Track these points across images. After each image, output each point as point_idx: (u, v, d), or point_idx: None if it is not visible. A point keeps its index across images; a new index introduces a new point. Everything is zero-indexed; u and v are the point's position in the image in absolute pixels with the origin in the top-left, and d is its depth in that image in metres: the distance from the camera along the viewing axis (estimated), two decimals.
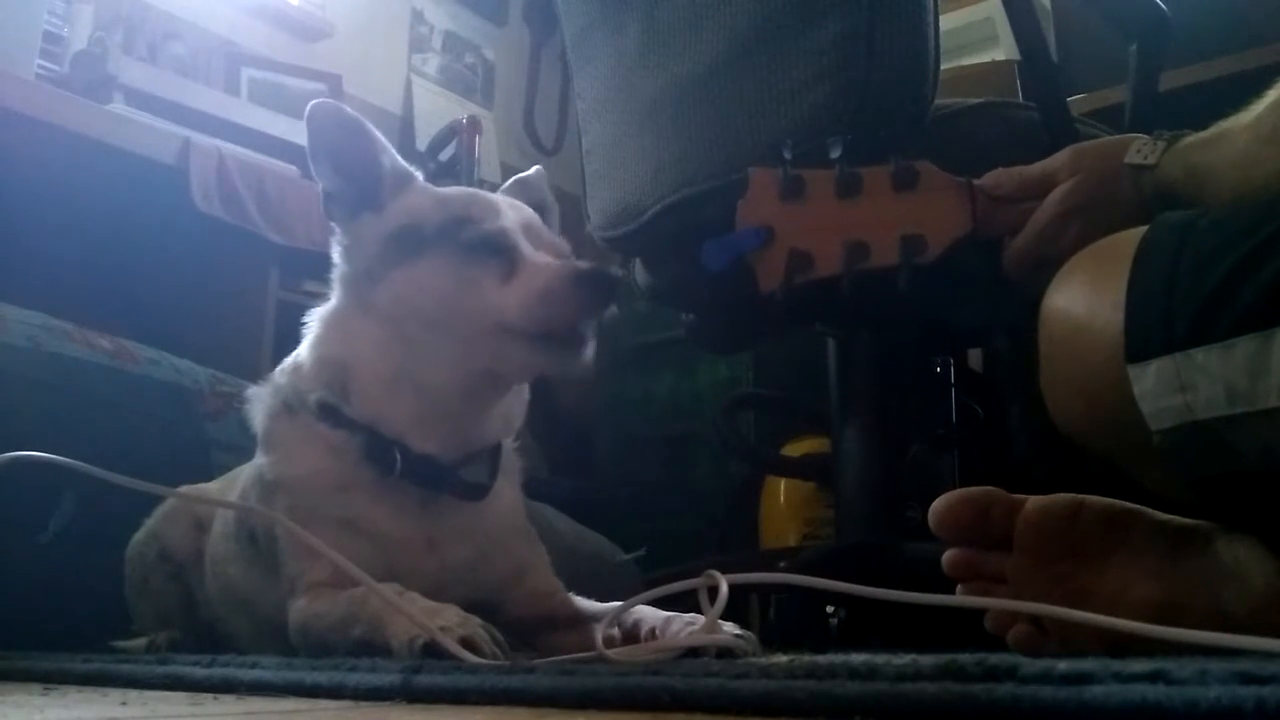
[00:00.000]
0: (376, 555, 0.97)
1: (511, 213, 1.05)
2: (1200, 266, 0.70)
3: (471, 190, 1.13)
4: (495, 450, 1.08)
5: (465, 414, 1.04)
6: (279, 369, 1.09)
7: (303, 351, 1.07)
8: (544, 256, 1.01)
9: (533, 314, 0.97)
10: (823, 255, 0.94)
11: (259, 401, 1.07)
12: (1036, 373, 0.84)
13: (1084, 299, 0.78)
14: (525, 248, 1.01)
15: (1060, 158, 0.98)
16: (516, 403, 1.10)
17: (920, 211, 0.95)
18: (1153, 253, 0.74)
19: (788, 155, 0.97)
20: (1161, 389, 0.70)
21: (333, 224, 1.08)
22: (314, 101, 1.05)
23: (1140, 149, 0.90)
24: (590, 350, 1.01)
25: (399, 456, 1.00)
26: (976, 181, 0.98)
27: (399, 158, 1.08)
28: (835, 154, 0.98)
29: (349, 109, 1.07)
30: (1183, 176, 0.85)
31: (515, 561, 1.08)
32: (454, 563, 1.03)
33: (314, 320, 1.07)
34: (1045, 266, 0.87)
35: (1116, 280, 0.74)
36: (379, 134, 1.08)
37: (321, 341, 1.05)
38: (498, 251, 1.00)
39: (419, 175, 1.10)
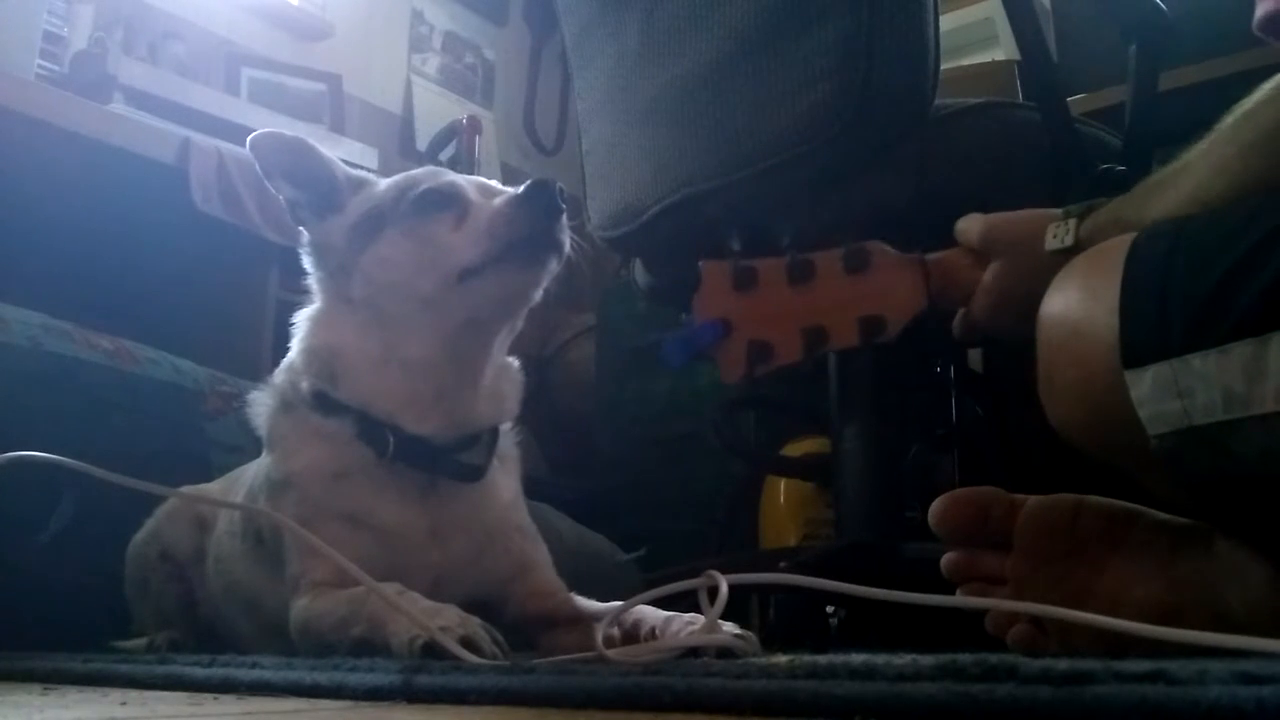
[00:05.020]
0: (380, 550, 0.98)
1: (461, 177, 1.09)
2: (1193, 270, 0.70)
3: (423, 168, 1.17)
4: (492, 436, 1.09)
5: (454, 388, 1.05)
6: (276, 371, 1.11)
7: (292, 350, 1.10)
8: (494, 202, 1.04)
9: (483, 248, 1.01)
10: (781, 344, 0.95)
11: (260, 404, 1.10)
12: (1032, 379, 0.83)
13: (1080, 304, 0.78)
14: (472, 195, 1.05)
15: (971, 233, 0.98)
16: (508, 383, 1.11)
17: (875, 292, 0.95)
18: (1144, 257, 0.74)
19: (736, 246, 0.97)
20: (1159, 394, 0.70)
21: (302, 229, 1.12)
22: (252, 135, 1.08)
23: (1055, 233, 0.90)
24: (556, 261, 1.03)
25: (391, 438, 1.01)
26: (929, 257, 0.98)
27: (350, 170, 1.13)
28: (785, 241, 0.98)
29: (288, 133, 1.11)
30: (1120, 234, 0.84)
31: (517, 557, 1.09)
32: (456, 554, 1.03)
33: (300, 321, 1.11)
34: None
35: (1111, 285, 0.74)
36: (324, 150, 1.12)
37: (308, 335, 1.09)
38: (447, 202, 1.04)
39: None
